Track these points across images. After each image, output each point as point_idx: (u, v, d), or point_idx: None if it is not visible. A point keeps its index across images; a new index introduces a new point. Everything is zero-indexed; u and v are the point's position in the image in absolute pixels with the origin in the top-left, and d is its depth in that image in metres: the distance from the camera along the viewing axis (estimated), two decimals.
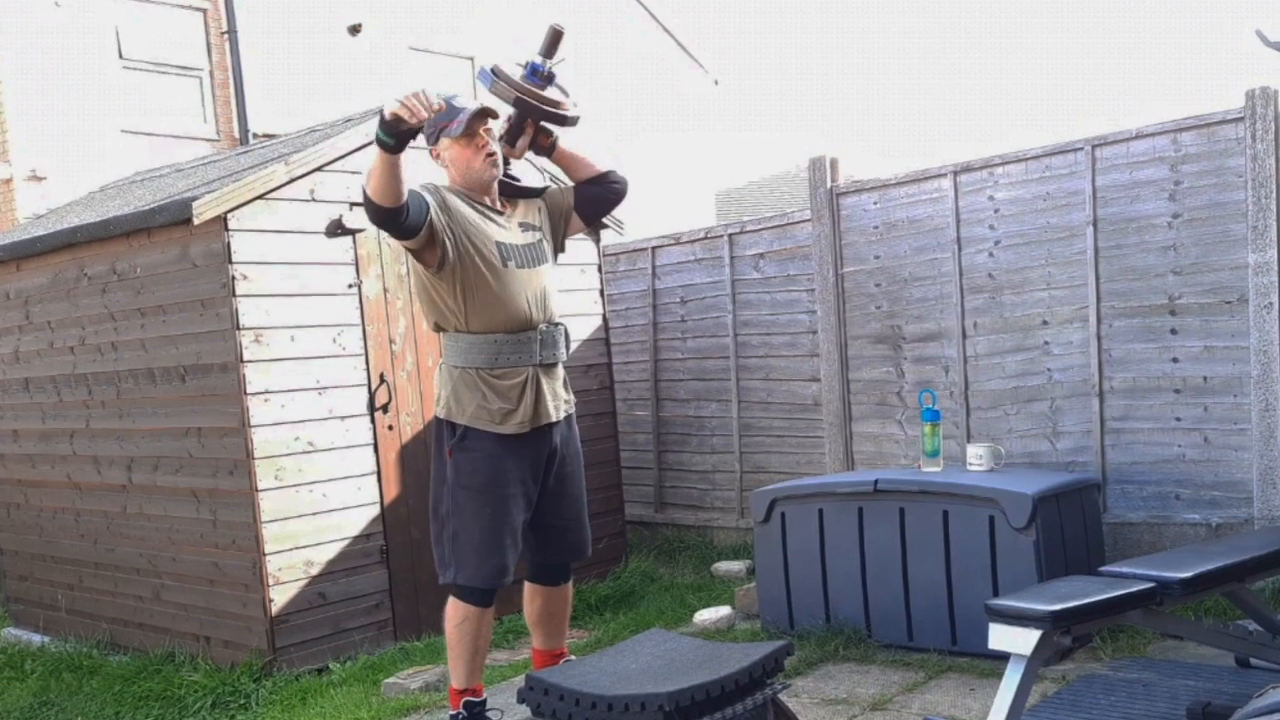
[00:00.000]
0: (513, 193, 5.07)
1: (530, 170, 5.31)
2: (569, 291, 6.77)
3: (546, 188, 5.23)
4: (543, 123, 4.95)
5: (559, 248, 5.18)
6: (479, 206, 4.88)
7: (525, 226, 5.00)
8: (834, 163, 8.04)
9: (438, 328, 4.94)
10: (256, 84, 14.42)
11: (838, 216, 7.97)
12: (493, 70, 4.87)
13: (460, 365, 4.85)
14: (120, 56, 13.51)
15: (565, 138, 5.02)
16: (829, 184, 7.99)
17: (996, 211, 7.21)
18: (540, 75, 4.83)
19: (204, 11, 14.27)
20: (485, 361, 4.81)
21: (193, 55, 14.21)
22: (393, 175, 4.37)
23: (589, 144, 5.13)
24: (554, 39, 4.83)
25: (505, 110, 4.94)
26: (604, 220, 8.28)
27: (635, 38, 19.96)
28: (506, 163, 5.01)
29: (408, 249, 4.78)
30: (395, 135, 4.26)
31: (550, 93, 4.86)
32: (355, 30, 15.64)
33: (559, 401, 5.02)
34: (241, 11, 14.35)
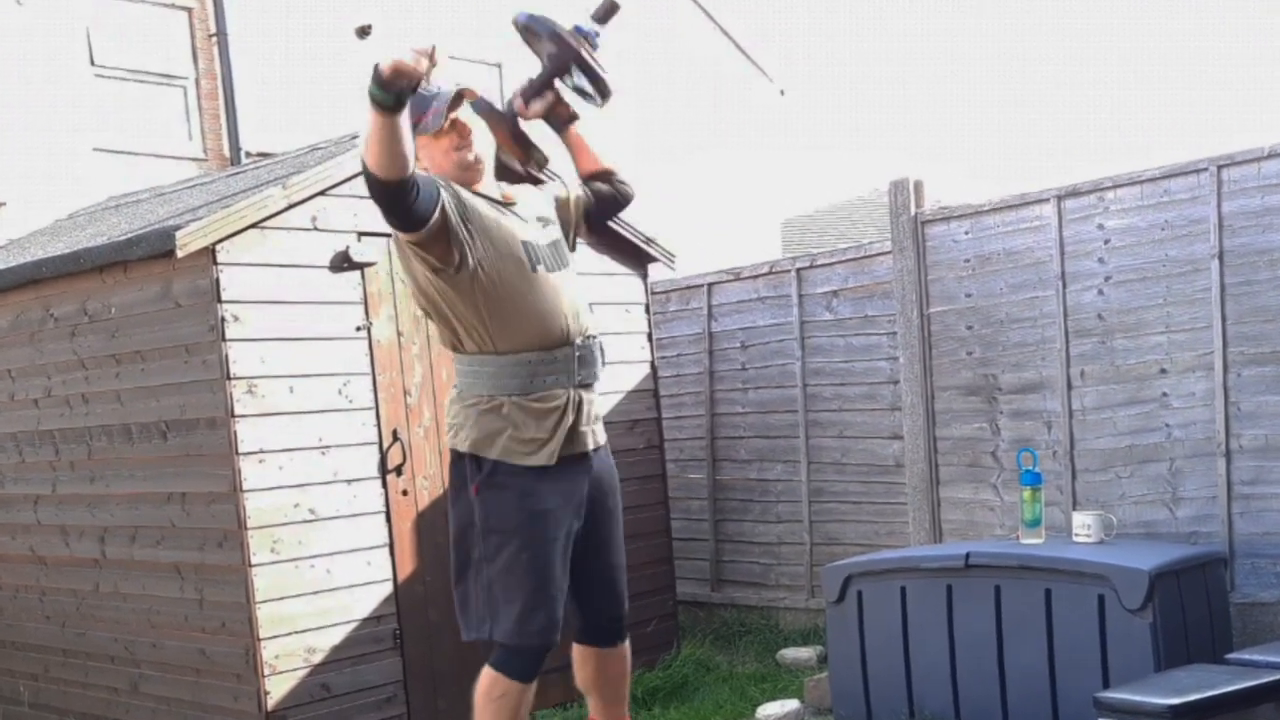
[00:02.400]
0: (510, 177, 5.05)
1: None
2: (612, 335, 6.82)
3: (542, 181, 5.19)
4: (573, 86, 4.96)
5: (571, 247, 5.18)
6: (489, 200, 4.83)
7: (542, 220, 4.98)
8: (918, 186, 8.13)
9: (455, 348, 4.88)
10: (250, 95, 14.52)
11: (923, 248, 8.06)
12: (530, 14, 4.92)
13: (486, 393, 4.79)
14: (92, 63, 13.63)
15: (582, 119, 5.09)
16: (913, 210, 8.08)
17: (1107, 243, 7.29)
18: (586, 38, 4.85)
19: (189, 11, 14.43)
20: (519, 387, 4.75)
21: (176, 62, 14.34)
22: (396, 138, 4.28)
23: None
24: (609, 8, 4.86)
25: (494, 104, 5.00)
26: (651, 253, 8.39)
27: (690, 41, 20.05)
28: (520, 146, 5.02)
29: (412, 244, 4.66)
30: (395, 92, 4.20)
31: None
32: (364, 32, 15.77)
33: (594, 426, 4.99)
34: (233, 11, 14.41)
